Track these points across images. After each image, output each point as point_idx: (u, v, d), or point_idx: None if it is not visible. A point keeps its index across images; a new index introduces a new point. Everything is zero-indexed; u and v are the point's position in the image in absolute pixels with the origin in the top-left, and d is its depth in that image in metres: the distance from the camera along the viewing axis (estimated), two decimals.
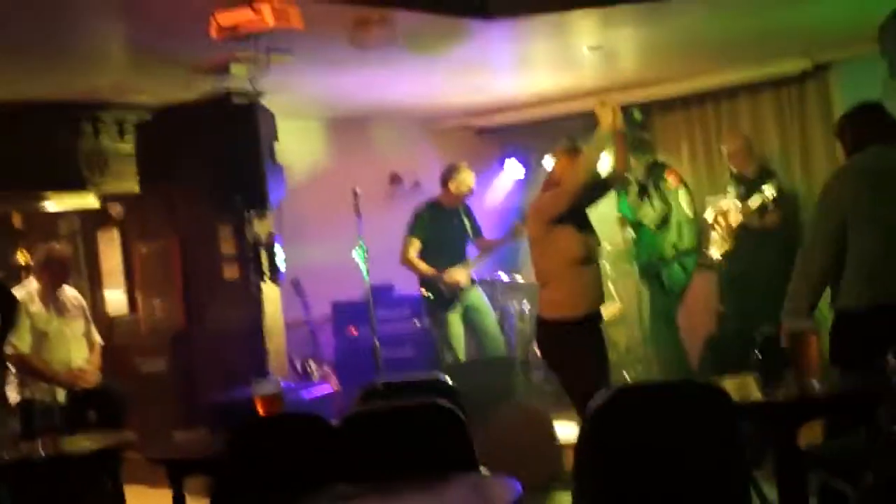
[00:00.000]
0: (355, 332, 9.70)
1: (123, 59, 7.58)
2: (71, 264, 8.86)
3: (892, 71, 7.64)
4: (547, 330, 6.45)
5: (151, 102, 8.91)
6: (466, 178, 9.11)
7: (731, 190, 9.23)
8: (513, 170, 11.37)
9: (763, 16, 8.12)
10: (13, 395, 7.66)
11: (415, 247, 9.02)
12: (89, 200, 9.27)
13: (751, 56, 9.78)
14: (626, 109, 10.84)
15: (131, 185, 9.07)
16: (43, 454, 5.95)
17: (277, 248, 9.12)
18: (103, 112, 8.82)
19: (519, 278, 10.46)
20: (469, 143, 11.88)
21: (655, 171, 9.12)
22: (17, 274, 9.44)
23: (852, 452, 4.49)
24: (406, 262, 9.06)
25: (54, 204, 9.35)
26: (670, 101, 11.01)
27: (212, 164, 8.61)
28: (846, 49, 9.62)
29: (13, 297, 7.27)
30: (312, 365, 9.50)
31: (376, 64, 8.20)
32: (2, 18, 6.13)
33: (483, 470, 4.52)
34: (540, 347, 6.72)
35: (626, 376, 9.62)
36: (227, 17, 6.11)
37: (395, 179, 11.38)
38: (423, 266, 8.97)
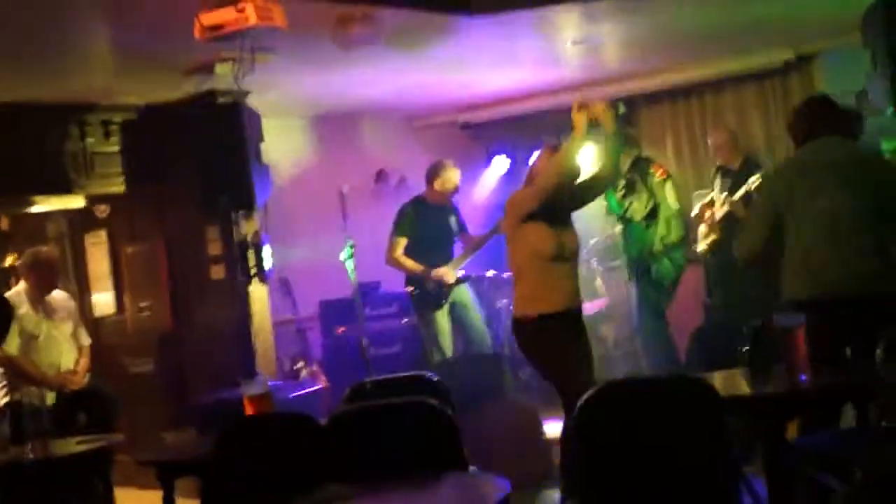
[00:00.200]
0: (343, 331, 9.70)
1: (109, 60, 7.58)
2: (59, 267, 8.86)
3: (875, 61, 7.66)
4: (516, 326, 6.45)
5: (137, 103, 8.91)
6: (452, 176, 9.10)
7: (717, 183, 9.24)
8: (499, 165, 11.37)
9: (746, 7, 8.14)
10: (1, 398, 7.66)
11: (401, 245, 9.01)
12: (76, 202, 9.27)
13: (734, 48, 9.80)
14: (610, 104, 10.94)
15: (118, 186, 9.07)
16: (32, 457, 5.94)
17: (264, 248, 9.12)
18: (89, 113, 8.81)
19: (506, 275, 10.46)
20: (454, 139, 11.88)
21: (641, 165, 9.12)
22: (7, 277, 9.45)
23: (841, 447, 4.50)
24: (392, 260, 9.05)
25: (41, 206, 9.34)
26: (655, 94, 11.02)
27: (198, 163, 8.62)
28: (829, 40, 9.64)
29: (7, 305, 7.26)
30: (301, 364, 9.51)
31: (361, 61, 8.20)
32: None
33: (471, 467, 4.52)
34: (517, 343, 6.72)
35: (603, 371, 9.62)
36: (210, 17, 6.11)
37: (381, 177, 11.37)
38: (410, 263, 8.96)
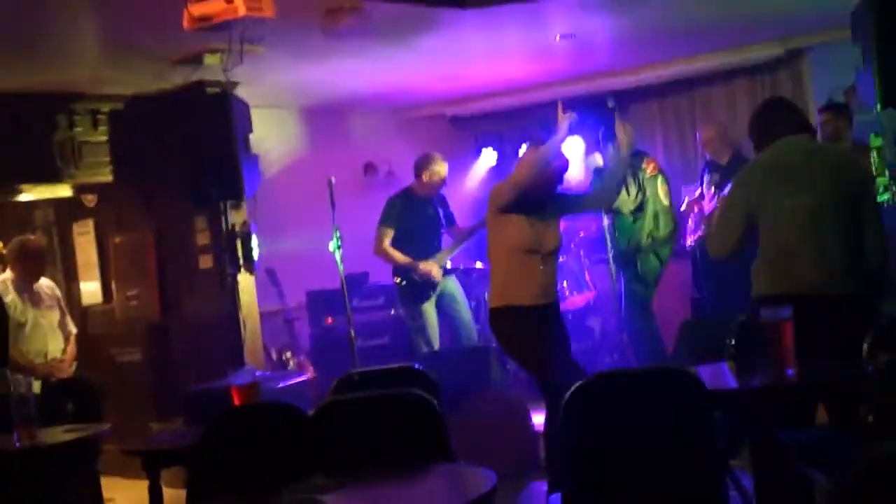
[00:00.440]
0: (331, 322, 9.70)
1: (97, 50, 7.57)
2: (46, 255, 8.85)
3: (864, 57, 7.67)
4: (490, 317, 6.51)
5: (126, 93, 8.89)
6: (439, 169, 9.10)
7: (706, 177, 9.25)
8: (486, 158, 11.39)
9: (736, 2, 8.15)
10: None
11: (388, 236, 9.00)
12: (64, 191, 9.26)
13: (724, 43, 9.82)
14: (599, 98, 10.97)
15: (105, 176, 9.06)
16: (19, 445, 5.94)
17: (252, 238, 9.11)
18: (78, 103, 8.80)
19: None
20: (442, 131, 11.90)
21: (633, 158, 9.13)
22: None
23: (827, 441, 4.52)
24: (380, 252, 9.04)
25: (28, 195, 9.33)
26: (644, 89, 11.04)
27: (186, 154, 8.61)
28: (819, 35, 9.66)
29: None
30: (288, 354, 9.51)
31: (349, 53, 8.20)
32: None
33: (459, 459, 4.53)
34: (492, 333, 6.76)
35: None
36: (199, 7, 6.10)
37: (369, 169, 11.39)
38: (398, 255, 8.96)
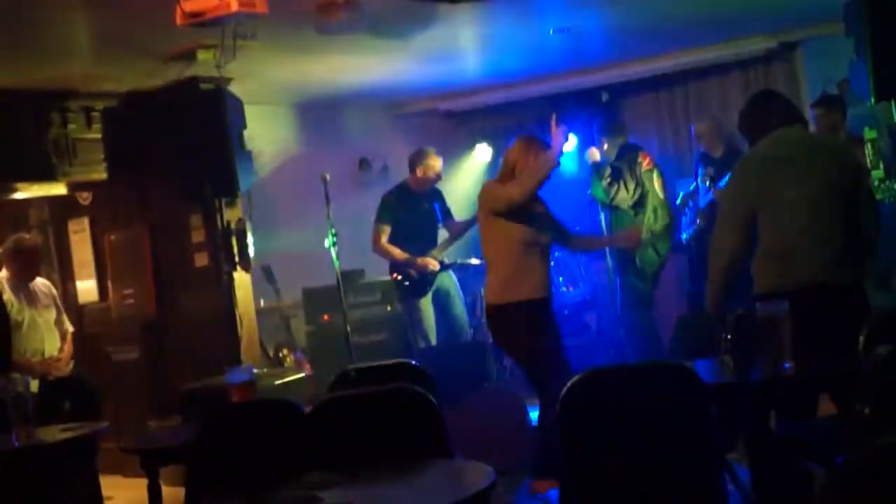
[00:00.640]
0: (327, 318, 9.70)
1: (90, 47, 7.56)
2: (41, 254, 8.84)
3: (858, 50, 7.68)
4: (495, 313, 6.54)
5: (119, 90, 8.88)
6: (433, 163, 9.10)
7: (700, 171, 9.26)
8: (481, 153, 11.39)
9: None
10: None
11: (385, 233, 9.01)
12: (58, 189, 9.25)
13: (717, 36, 9.83)
14: (593, 92, 10.97)
15: (100, 174, 9.05)
16: (17, 444, 5.93)
17: (248, 235, 9.11)
18: (71, 100, 8.79)
19: None
20: (436, 126, 11.89)
21: (629, 153, 9.12)
22: None
23: (823, 434, 4.52)
24: (378, 248, 9.04)
25: (23, 193, 9.31)
26: (638, 82, 11.04)
27: (180, 151, 8.60)
28: (812, 28, 9.67)
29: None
30: (285, 351, 9.50)
31: (342, 48, 8.20)
32: None
33: (456, 456, 4.53)
34: (490, 329, 6.80)
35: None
36: (192, 4, 6.08)
37: (363, 164, 11.38)
38: (397, 251, 8.95)
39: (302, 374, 8.46)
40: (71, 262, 10.30)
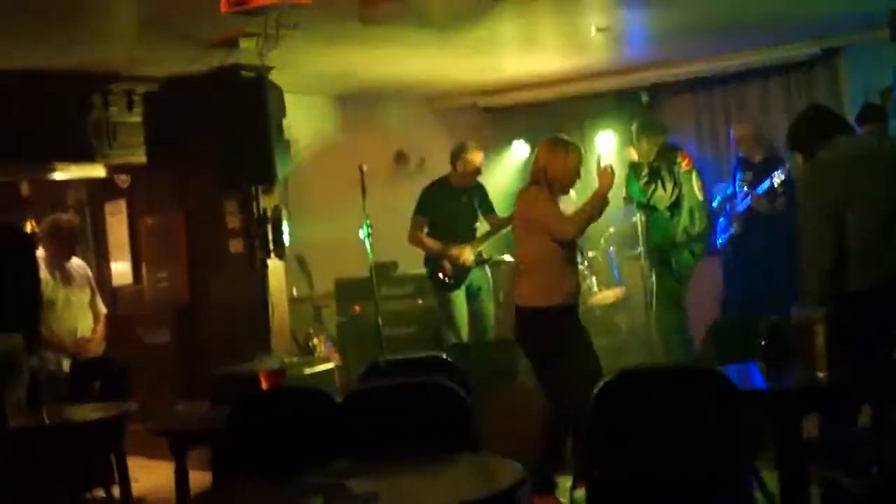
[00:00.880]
0: (358, 310, 9.71)
1: (133, 32, 7.58)
2: (77, 235, 8.89)
3: None
4: (529, 315, 6.54)
5: (161, 75, 8.91)
6: (473, 157, 9.07)
7: (739, 175, 9.22)
8: (518, 150, 11.38)
9: (773, 0, 8.11)
10: None
11: (422, 225, 9.00)
12: (97, 171, 9.29)
13: (760, 40, 9.78)
14: (633, 92, 10.93)
15: (139, 157, 9.09)
16: (47, 422, 5.97)
17: (283, 224, 9.12)
18: (113, 83, 8.83)
19: None
20: (475, 122, 11.87)
21: (668, 153, 9.06)
22: None
23: (857, 445, 4.50)
24: (414, 240, 9.03)
25: (62, 173, 9.36)
26: (678, 84, 11.00)
27: (219, 137, 8.63)
28: (856, 35, 9.60)
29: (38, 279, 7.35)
30: (315, 341, 9.51)
31: (384, 41, 8.20)
32: None
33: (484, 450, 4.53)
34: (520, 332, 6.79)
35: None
36: None
37: (400, 157, 11.39)
38: (432, 242, 8.92)
39: (332, 364, 8.48)
40: (106, 244, 10.36)
